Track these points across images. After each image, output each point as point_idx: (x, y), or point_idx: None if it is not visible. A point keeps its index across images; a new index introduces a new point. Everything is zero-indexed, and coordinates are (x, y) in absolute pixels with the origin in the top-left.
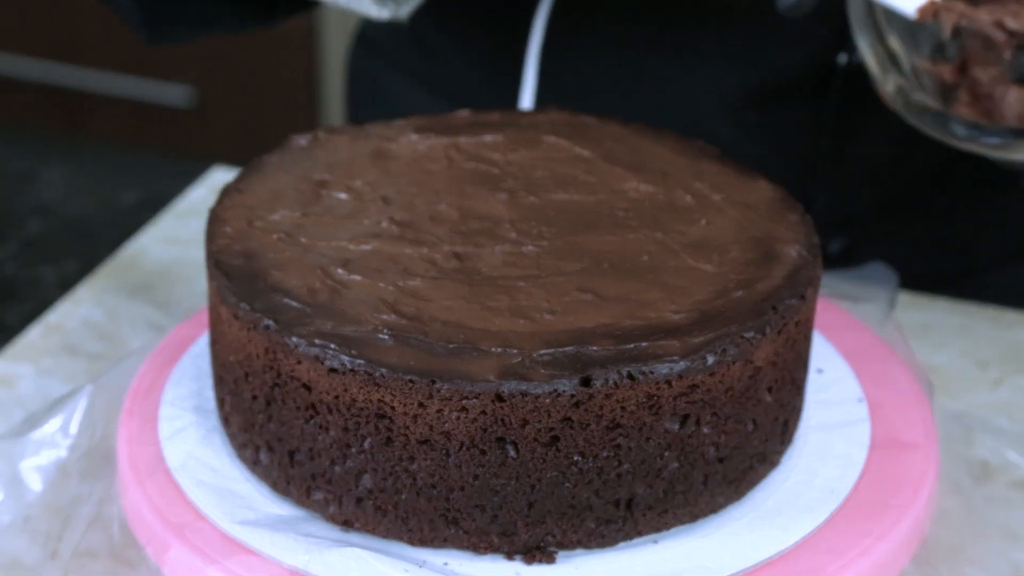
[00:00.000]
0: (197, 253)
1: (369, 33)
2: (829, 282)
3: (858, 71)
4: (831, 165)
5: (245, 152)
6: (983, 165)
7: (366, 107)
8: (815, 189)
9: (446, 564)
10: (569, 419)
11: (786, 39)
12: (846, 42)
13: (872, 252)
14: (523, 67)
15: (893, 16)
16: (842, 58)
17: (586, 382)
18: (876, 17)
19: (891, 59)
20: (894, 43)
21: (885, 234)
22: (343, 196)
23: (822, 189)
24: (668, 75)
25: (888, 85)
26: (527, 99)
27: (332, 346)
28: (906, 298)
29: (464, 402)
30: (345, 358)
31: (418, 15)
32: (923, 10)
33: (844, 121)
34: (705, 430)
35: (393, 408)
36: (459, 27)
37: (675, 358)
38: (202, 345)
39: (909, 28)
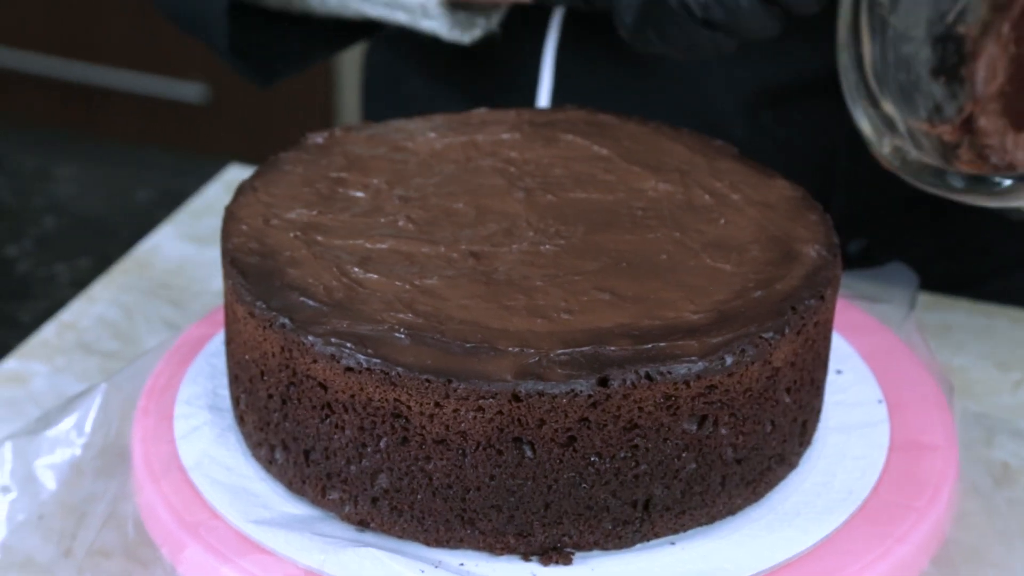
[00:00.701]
0: (213, 251)
1: (387, 30)
2: (848, 282)
3: None
4: (849, 165)
5: (261, 150)
6: None
7: (383, 104)
8: (833, 189)
9: (462, 565)
10: (586, 419)
11: (801, 39)
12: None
13: (892, 252)
14: (540, 66)
15: (886, 81)
16: None
17: (603, 382)
18: (869, 83)
19: (886, 123)
20: (888, 107)
21: (905, 234)
22: (360, 194)
23: (840, 189)
24: (684, 75)
25: (884, 148)
26: (544, 98)
27: (348, 345)
28: (926, 299)
29: (481, 402)
30: (361, 357)
31: None
32: None
33: None
34: (723, 431)
35: (409, 407)
36: None
37: (693, 358)
38: (217, 343)
39: (904, 92)
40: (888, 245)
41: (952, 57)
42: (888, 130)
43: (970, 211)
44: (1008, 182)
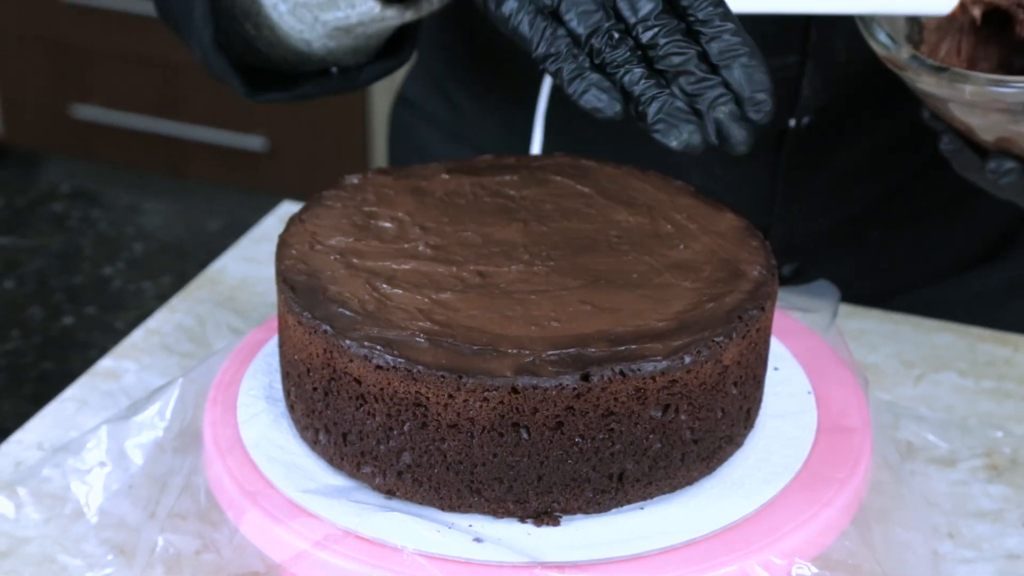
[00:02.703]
0: (269, 271)
1: (408, 93)
2: (784, 296)
3: (804, 133)
4: (783, 206)
5: (308, 189)
6: (912, 202)
7: (405, 153)
8: (771, 225)
9: (470, 526)
10: (572, 408)
11: None
12: (794, 110)
13: (817, 274)
14: (532, 123)
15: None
16: (791, 123)
17: (586, 378)
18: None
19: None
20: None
21: (828, 259)
22: (387, 225)
23: (777, 225)
24: (651, 140)
25: (903, 53)
26: (536, 148)
27: (378, 347)
28: (846, 309)
29: (486, 394)
30: (389, 357)
31: (445, 77)
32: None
33: (793, 171)
34: (683, 417)
35: (428, 398)
36: (480, 88)
37: (659, 358)
38: (272, 346)
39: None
40: (815, 267)
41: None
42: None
43: (882, 240)
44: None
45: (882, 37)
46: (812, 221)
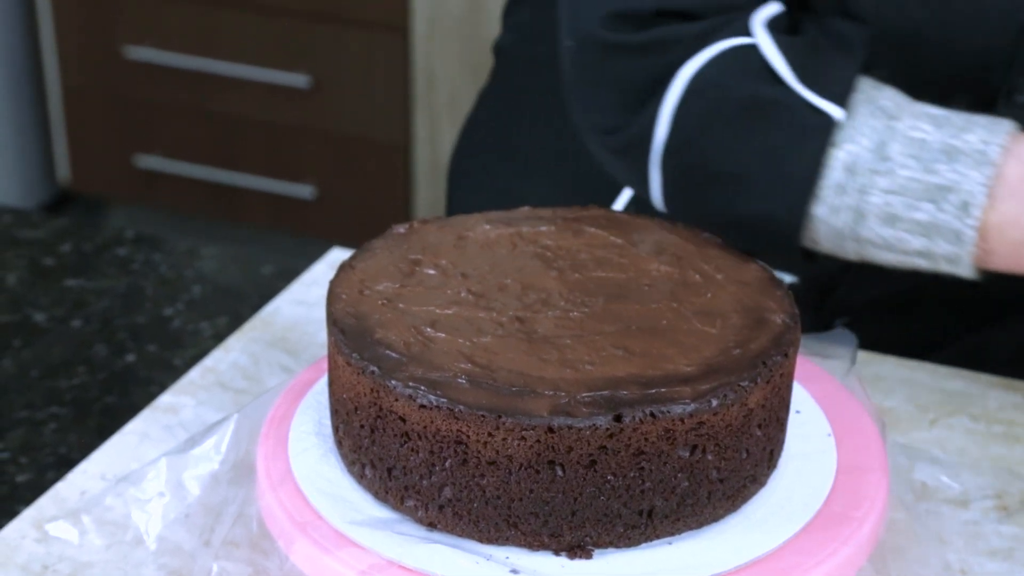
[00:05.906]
0: (319, 313)
1: (465, 146)
2: (806, 343)
3: None
4: (851, 273)
5: (357, 237)
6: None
7: (462, 200)
8: (839, 286)
9: (507, 558)
10: (604, 447)
11: None
12: None
13: (865, 330)
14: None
15: None
16: None
17: (618, 419)
18: None
19: None
20: None
21: (878, 320)
22: (432, 272)
23: (843, 287)
24: None
25: None
26: (620, 202)
27: (422, 388)
28: (863, 356)
29: (523, 432)
30: (432, 397)
31: (500, 131)
32: None
33: None
34: (709, 457)
35: (468, 436)
36: (535, 143)
37: (687, 401)
38: (322, 385)
39: None
40: (862, 324)
41: None
42: None
43: (931, 309)
44: None
45: None
46: (871, 287)
